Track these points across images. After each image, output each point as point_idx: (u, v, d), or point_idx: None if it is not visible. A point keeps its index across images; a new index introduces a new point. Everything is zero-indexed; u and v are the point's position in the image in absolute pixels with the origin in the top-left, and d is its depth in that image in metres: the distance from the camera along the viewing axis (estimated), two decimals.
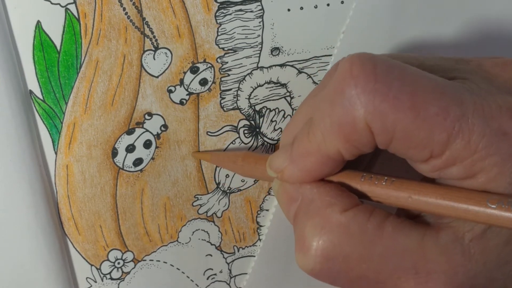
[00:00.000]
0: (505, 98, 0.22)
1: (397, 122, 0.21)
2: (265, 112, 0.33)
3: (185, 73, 0.31)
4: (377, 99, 0.21)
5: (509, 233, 0.22)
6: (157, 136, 0.32)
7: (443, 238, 0.22)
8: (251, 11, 0.31)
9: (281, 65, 0.32)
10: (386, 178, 0.24)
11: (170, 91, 0.31)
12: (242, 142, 0.33)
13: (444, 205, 0.22)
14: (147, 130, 0.32)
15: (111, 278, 0.34)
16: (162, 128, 0.32)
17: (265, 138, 0.34)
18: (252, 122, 0.33)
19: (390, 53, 0.29)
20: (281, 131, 0.34)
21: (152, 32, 0.30)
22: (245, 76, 0.32)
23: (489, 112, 0.21)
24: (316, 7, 0.32)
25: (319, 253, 0.23)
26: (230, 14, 0.31)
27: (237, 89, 0.32)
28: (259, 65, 0.32)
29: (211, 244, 0.35)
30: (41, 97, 0.30)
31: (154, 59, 0.31)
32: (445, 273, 0.22)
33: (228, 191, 0.34)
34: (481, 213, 0.21)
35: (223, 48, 0.31)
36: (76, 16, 0.29)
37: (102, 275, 0.33)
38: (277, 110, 0.33)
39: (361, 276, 0.23)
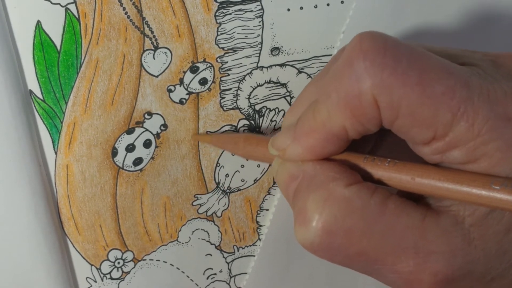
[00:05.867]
0: (511, 85, 0.22)
1: (403, 97, 0.21)
2: (265, 111, 0.33)
3: (184, 72, 0.31)
4: (385, 73, 0.21)
5: (510, 221, 0.22)
6: (157, 135, 0.32)
7: (444, 221, 0.22)
8: (251, 11, 0.31)
9: (281, 65, 0.32)
10: (389, 160, 0.23)
11: (170, 91, 0.31)
12: None
13: (447, 188, 0.22)
14: (147, 130, 0.32)
15: (111, 278, 0.34)
16: (162, 128, 0.32)
17: None
18: (252, 121, 0.33)
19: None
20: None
21: (152, 32, 0.30)
22: (245, 75, 0.32)
23: (494, 97, 0.21)
24: (316, 7, 0.32)
25: (320, 225, 0.23)
26: (230, 14, 0.31)
27: (237, 88, 0.32)
28: (259, 65, 0.32)
29: (211, 244, 0.35)
30: (41, 97, 0.30)
31: (154, 58, 0.31)
32: (444, 254, 0.22)
33: (228, 190, 0.34)
34: (484, 195, 0.21)
35: (223, 48, 0.31)
36: (76, 16, 0.29)
37: (102, 275, 0.33)
38: (277, 110, 0.33)
39: (361, 252, 0.23)
